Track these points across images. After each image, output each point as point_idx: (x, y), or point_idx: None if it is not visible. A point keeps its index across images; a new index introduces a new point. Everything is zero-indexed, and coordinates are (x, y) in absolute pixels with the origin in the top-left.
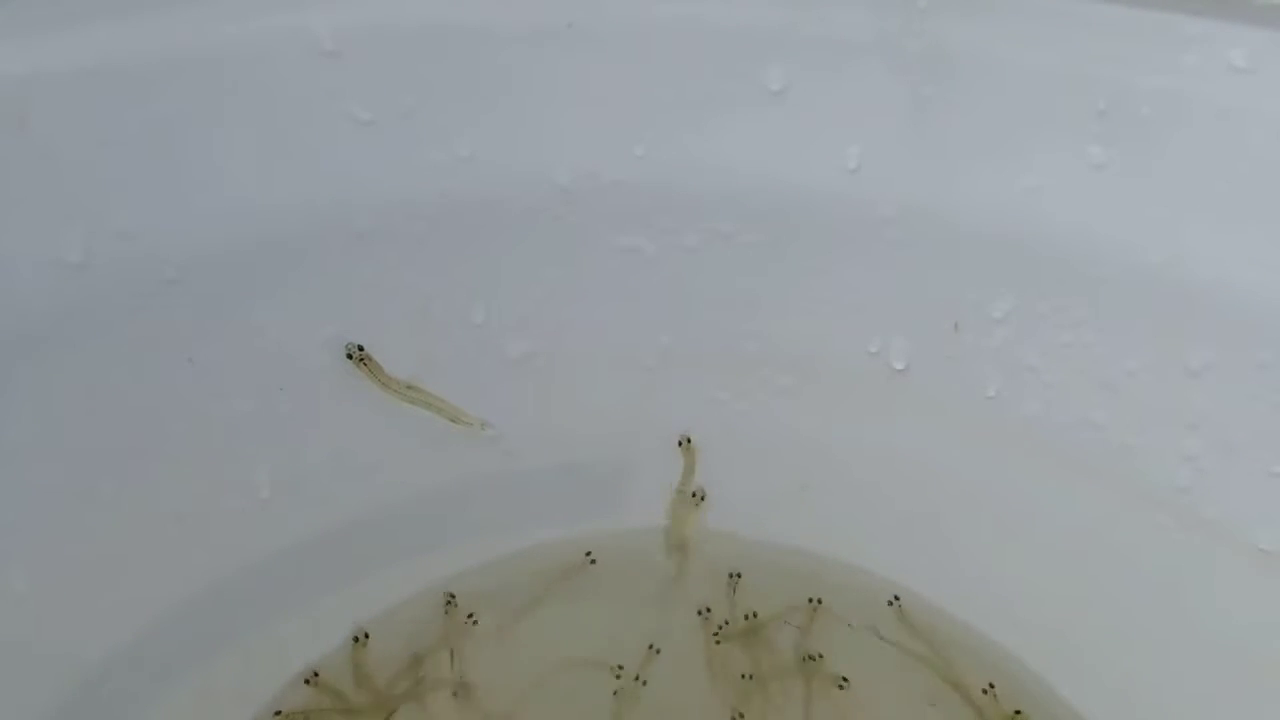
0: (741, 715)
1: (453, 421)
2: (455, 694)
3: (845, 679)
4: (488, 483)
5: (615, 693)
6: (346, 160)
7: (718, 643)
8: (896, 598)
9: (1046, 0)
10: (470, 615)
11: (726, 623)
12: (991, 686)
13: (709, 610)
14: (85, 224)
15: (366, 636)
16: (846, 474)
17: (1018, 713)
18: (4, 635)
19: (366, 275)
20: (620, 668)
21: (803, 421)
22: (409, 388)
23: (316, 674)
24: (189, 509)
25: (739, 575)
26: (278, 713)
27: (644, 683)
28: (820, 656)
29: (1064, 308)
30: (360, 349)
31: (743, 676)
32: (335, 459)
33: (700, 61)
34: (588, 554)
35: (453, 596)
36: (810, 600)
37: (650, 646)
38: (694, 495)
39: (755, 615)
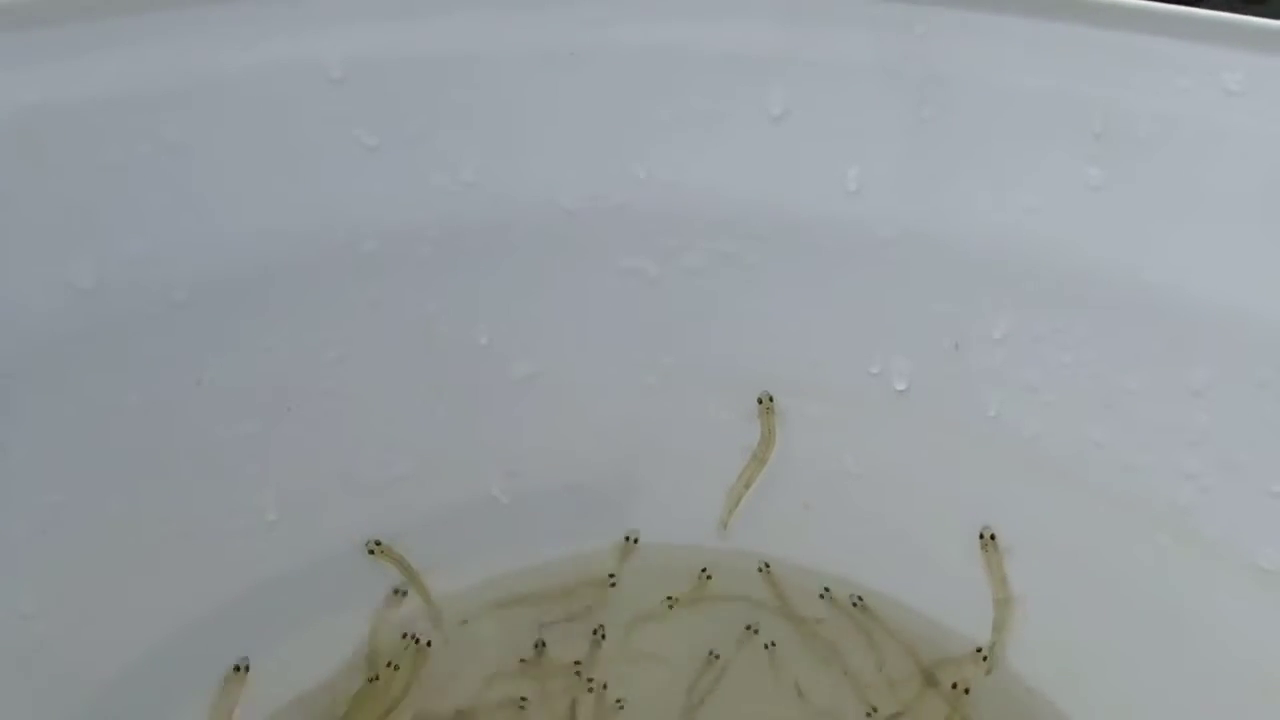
0: None
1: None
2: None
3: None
4: (492, 503)
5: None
6: (353, 185)
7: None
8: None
9: (1043, 24)
10: None
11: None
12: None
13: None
14: (96, 249)
15: None
16: (848, 493)
17: None
18: (10, 654)
19: (372, 298)
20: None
21: (804, 441)
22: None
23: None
24: (196, 530)
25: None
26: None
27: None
28: None
29: (1064, 327)
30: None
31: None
32: (341, 481)
33: (701, 86)
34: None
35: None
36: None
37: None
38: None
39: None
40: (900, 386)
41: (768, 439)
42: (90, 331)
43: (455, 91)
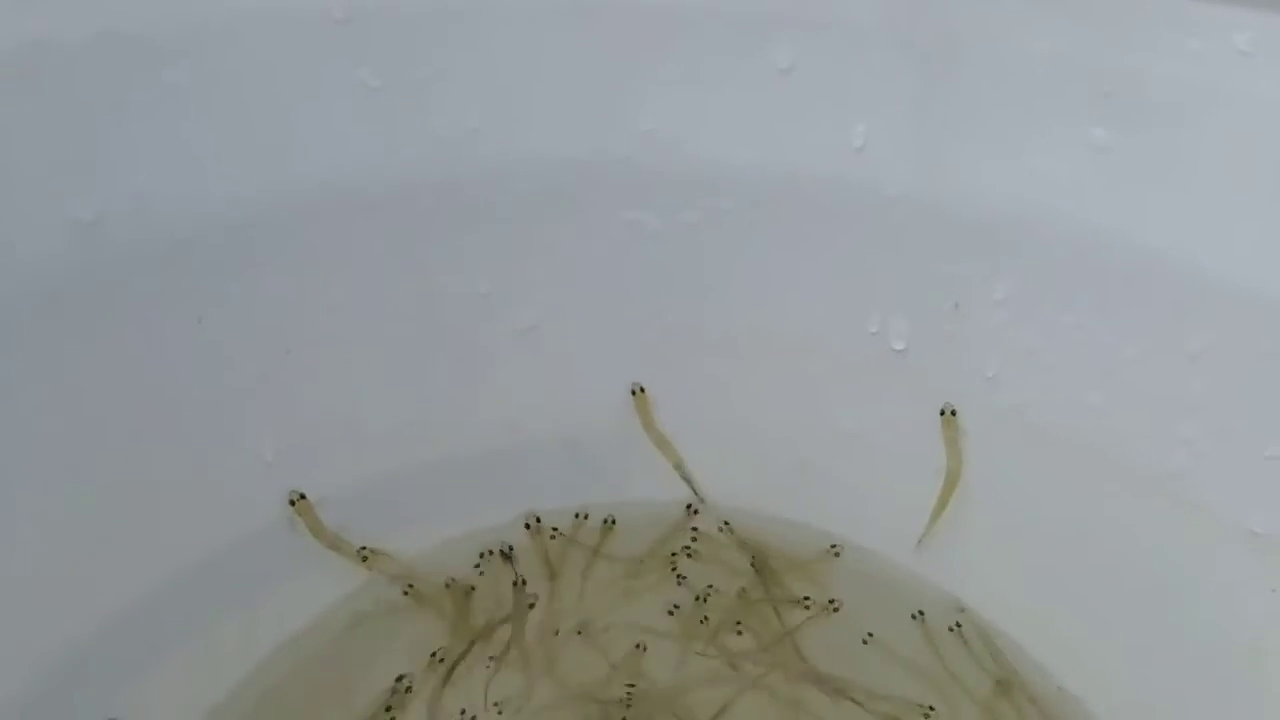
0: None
1: None
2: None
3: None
4: (490, 454)
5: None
6: (356, 129)
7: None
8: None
9: None
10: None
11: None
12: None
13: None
14: (98, 185)
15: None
16: (844, 452)
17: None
18: (9, 589)
19: (372, 244)
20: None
21: (801, 399)
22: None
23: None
24: (195, 469)
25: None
26: None
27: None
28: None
29: (1065, 290)
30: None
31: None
32: (339, 425)
33: (708, 38)
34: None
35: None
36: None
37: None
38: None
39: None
40: (899, 346)
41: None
42: (91, 267)
43: (460, 39)
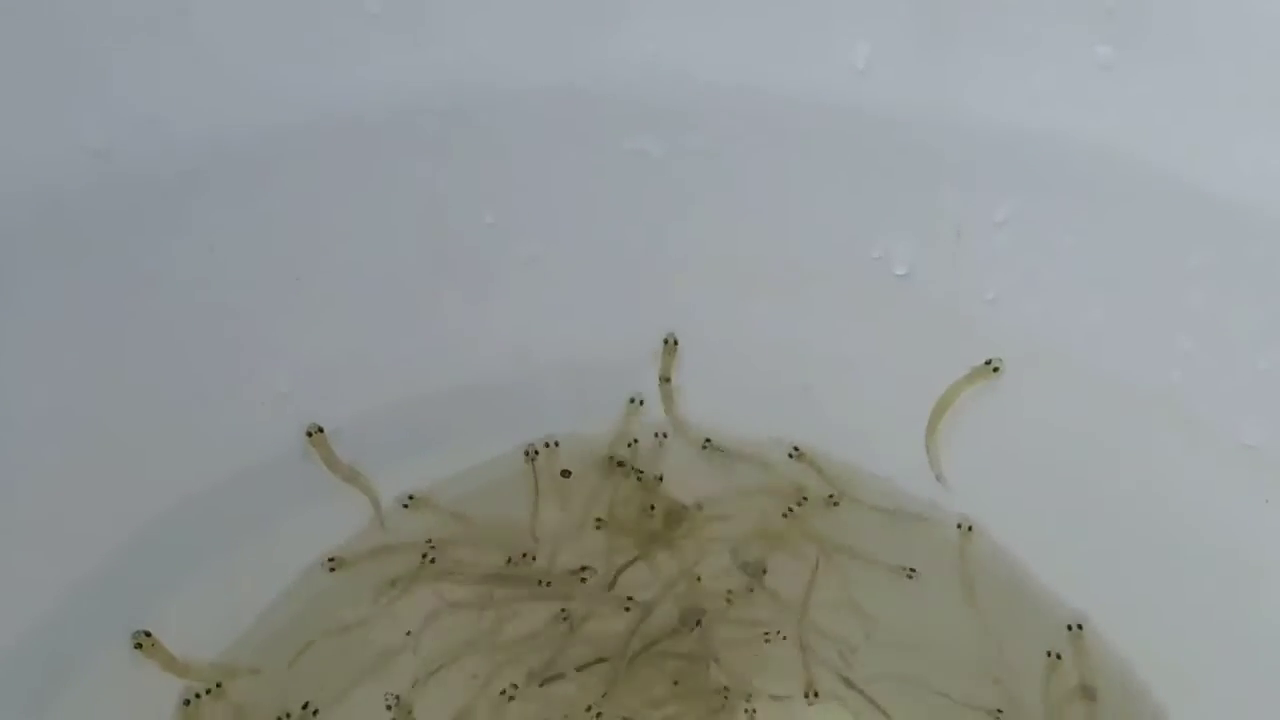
0: None
1: None
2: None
3: None
4: (498, 382)
5: None
6: (359, 53)
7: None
8: None
9: None
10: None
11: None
12: None
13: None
14: (109, 114)
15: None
16: (848, 376)
17: None
18: (30, 515)
19: (378, 171)
20: None
21: (805, 324)
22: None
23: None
24: (210, 398)
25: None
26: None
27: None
28: None
29: (1067, 211)
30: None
31: None
32: (351, 355)
33: None
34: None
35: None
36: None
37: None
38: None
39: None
40: (901, 271)
41: None
42: (101, 193)
43: None
